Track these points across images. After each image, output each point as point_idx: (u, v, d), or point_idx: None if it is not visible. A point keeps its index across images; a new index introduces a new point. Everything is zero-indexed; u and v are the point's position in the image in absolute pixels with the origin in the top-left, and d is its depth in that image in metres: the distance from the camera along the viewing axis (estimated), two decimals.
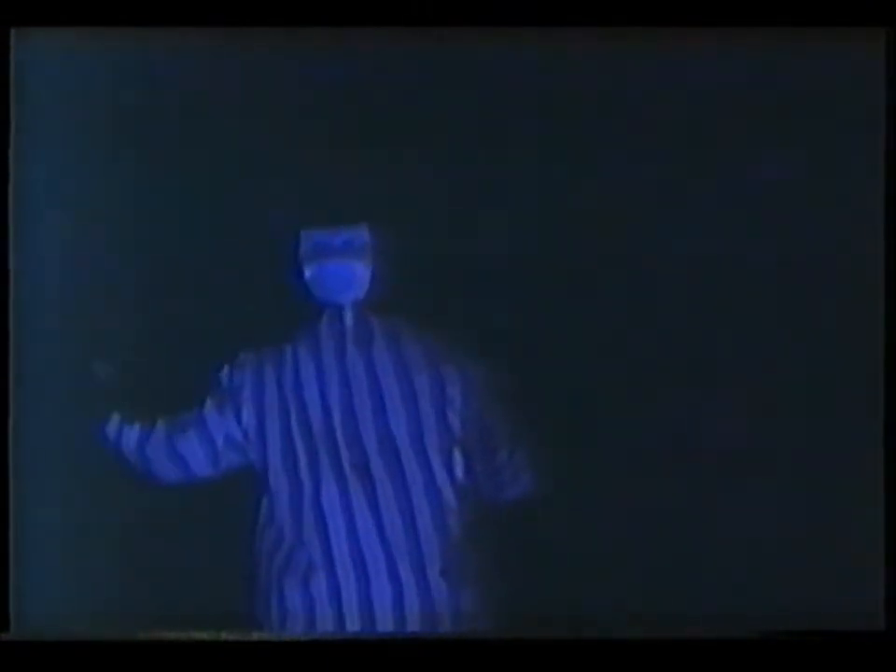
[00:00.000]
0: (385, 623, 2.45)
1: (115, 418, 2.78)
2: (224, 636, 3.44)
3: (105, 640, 3.34)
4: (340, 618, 2.52)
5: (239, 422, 2.58)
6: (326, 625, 2.51)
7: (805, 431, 3.68)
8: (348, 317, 2.49)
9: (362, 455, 2.42)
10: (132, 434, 2.77)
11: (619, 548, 3.67)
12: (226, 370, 2.61)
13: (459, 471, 2.45)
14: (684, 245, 3.78)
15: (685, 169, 3.76)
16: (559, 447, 2.54)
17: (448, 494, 2.43)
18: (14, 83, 3.40)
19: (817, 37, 3.40)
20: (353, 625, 2.48)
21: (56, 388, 3.70)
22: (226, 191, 3.61)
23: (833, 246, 3.69)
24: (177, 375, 2.85)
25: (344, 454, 2.44)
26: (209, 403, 2.62)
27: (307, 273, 2.52)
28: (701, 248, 3.78)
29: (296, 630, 2.58)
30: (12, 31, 3.37)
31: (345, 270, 2.48)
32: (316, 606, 2.56)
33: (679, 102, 3.75)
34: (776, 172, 3.72)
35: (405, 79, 3.06)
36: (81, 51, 3.56)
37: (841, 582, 3.48)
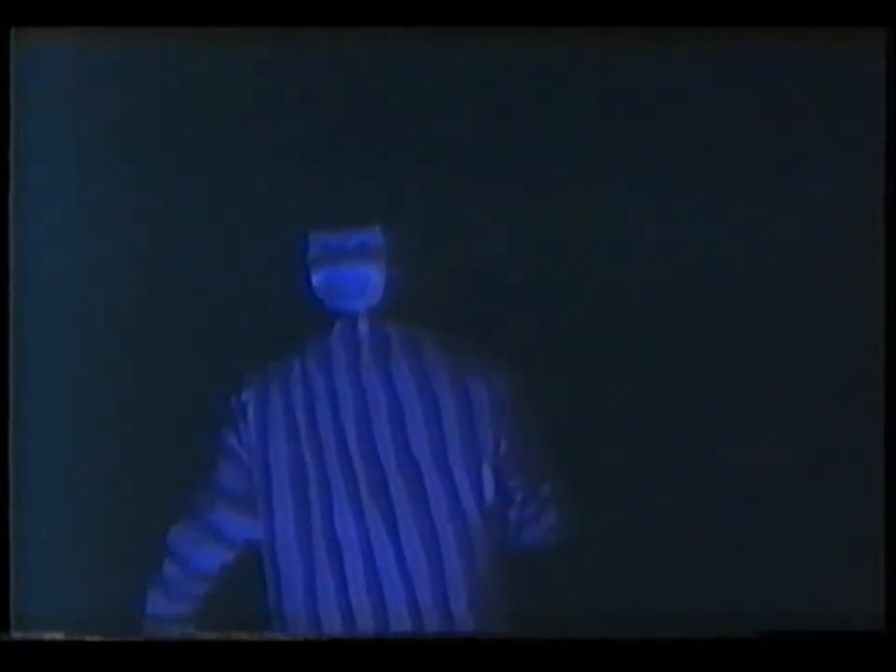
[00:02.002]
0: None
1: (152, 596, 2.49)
2: (228, 636, 3.44)
3: (106, 640, 3.35)
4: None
5: (240, 442, 2.38)
6: None
7: (805, 432, 3.68)
8: (363, 326, 2.27)
9: (380, 478, 2.20)
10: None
11: (620, 548, 3.67)
12: (231, 396, 2.40)
13: (488, 493, 2.22)
14: (691, 251, 3.78)
15: (685, 170, 3.76)
16: (591, 485, 2.26)
17: (475, 518, 2.21)
18: (14, 83, 3.40)
19: (817, 37, 3.41)
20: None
21: (56, 391, 3.71)
22: (229, 193, 3.60)
23: (833, 247, 3.69)
24: (179, 394, 2.80)
25: (361, 476, 2.22)
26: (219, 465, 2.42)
27: (316, 279, 2.31)
28: (707, 252, 3.79)
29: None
30: (12, 31, 3.37)
31: (359, 274, 2.26)
32: (324, 619, 2.37)
33: (677, 102, 3.75)
34: (775, 172, 3.73)
35: (418, 77, 3.01)
36: (81, 51, 3.56)
37: (841, 582, 3.48)
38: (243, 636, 3.43)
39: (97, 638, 3.37)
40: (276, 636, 3.35)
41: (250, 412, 2.34)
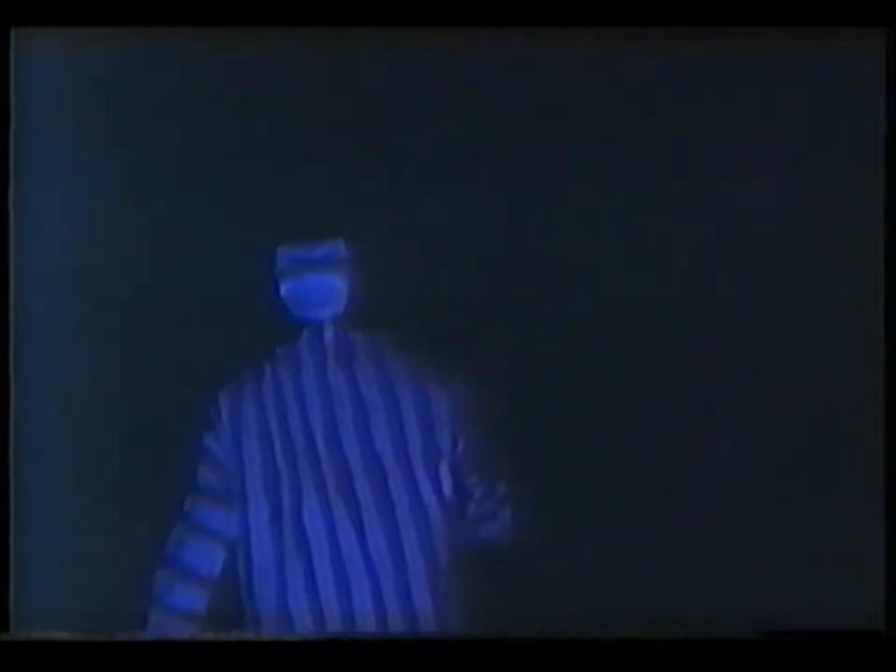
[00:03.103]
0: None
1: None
2: (228, 636, 3.44)
3: (105, 640, 3.35)
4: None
5: (219, 444, 2.53)
6: None
7: (805, 432, 3.68)
8: (328, 333, 2.41)
9: (346, 476, 2.35)
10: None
11: (620, 549, 3.67)
12: (209, 401, 2.53)
13: (447, 490, 2.36)
14: (681, 256, 3.78)
15: (684, 171, 3.76)
16: (547, 485, 2.37)
17: (435, 513, 2.35)
18: (14, 83, 3.40)
19: (817, 37, 3.41)
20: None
21: (56, 391, 3.71)
22: (221, 192, 3.60)
23: (833, 246, 3.69)
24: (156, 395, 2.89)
25: (328, 475, 2.36)
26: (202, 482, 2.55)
27: (284, 289, 2.44)
28: (700, 254, 3.78)
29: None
30: (12, 31, 3.38)
31: (324, 284, 2.40)
32: (297, 628, 2.49)
33: (677, 102, 3.75)
34: (775, 171, 3.73)
35: (378, 89, 3.04)
36: (81, 51, 3.56)
37: (841, 582, 3.48)
38: (242, 636, 3.43)
39: (97, 638, 3.37)
40: (276, 636, 3.35)
41: (225, 415, 2.47)
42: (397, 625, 2.32)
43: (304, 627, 2.42)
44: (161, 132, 3.80)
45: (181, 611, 2.76)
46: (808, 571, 3.55)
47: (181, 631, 2.70)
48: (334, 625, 2.36)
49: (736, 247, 3.78)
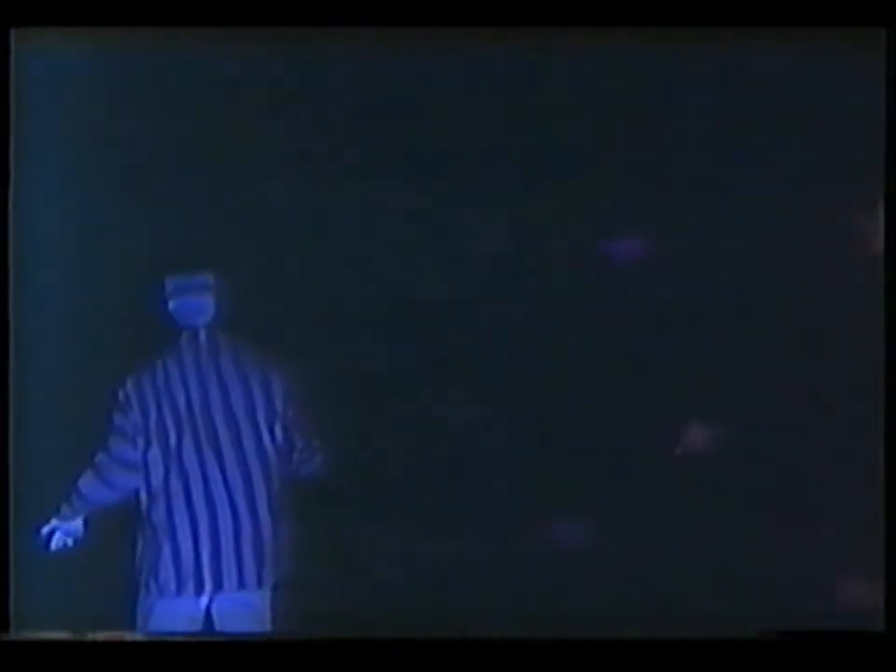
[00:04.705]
0: (229, 548, 3.33)
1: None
2: (228, 636, 3.44)
3: (105, 640, 3.35)
4: (199, 538, 3.36)
5: (126, 420, 3.45)
6: (187, 544, 3.35)
7: (805, 433, 3.68)
8: (202, 337, 3.42)
9: (214, 433, 3.39)
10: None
11: (616, 549, 3.67)
12: (119, 386, 3.46)
13: (279, 441, 3.40)
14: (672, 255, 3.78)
15: (683, 170, 3.76)
16: (344, 440, 3.48)
17: (272, 457, 3.39)
18: (14, 83, 3.41)
19: (817, 37, 3.41)
20: (204, 547, 3.34)
21: (56, 392, 3.72)
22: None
23: (833, 246, 3.69)
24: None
25: (202, 432, 3.38)
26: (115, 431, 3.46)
27: (171, 305, 3.44)
28: (688, 246, 3.79)
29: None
30: (12, 31, 3.38)
31: (198, 303, 3.42)
32: (178, 534, 3.36)
33: (677, 102, 3.75)
34: (775, 170, 3.72)
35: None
36: (81, 51, 3.56)
37: (841, 582, 3.48)
38: (242, 636, 3.43)
39: (97, 638, 3.37)
40: (276, 636, 3.35)
41: (131, 395, 3.42)
42: (247, 530, 3.33)
43: (186, 541, 3.33)
44: (161, 132, 3.81)
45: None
46: (808, 571, 3.55)
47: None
48: (204, 532, 3.32)
49: (736, 246, 3.78)
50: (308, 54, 3.65)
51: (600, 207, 3.70)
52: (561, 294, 3.78)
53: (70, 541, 3.43)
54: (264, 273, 3.66)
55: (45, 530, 3.40)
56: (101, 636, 3.34)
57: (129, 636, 3.41)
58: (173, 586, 3.27)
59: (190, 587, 3.27)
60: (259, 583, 3.28)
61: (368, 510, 3.59)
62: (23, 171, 3.46)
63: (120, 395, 3.39)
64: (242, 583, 3.27)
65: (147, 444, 3.35)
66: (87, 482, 3.38)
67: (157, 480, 3.32)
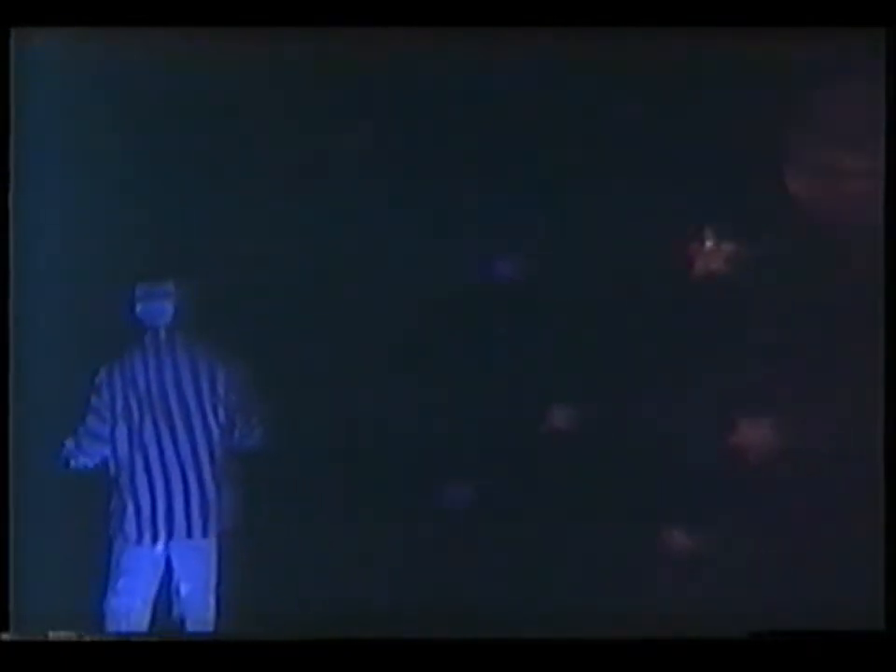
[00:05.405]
0: (179, 505, 3.88)
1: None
2: (228, 636, 3.45)
3: (104, 640, 3.35)
4: (156, 497, 3.92)
5: (101, 403, 4.03)
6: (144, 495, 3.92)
7: (806, 433, 3.68)
8: (162, 335, 3.99)
9: (169, 414, 3.97)
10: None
11: (610, 548, 3.67)
12: (95, 379, 4.02)
13: (223, 420, 3.99)
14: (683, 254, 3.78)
15: (682, 169, 3.76)
16: (280, 419, 4.01)
17: (217, 433, 3.99)
18: (14, 83, 3.41)
19: (817, 37, 3.41)
20: (160, 505, 3.88)
21: (56, 393, 3.73)
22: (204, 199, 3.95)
23: (833, 246, 3.69)
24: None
25: (158, 413, 3.98)
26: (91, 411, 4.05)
27: (138, 308, 3.99)
28: (681, 247, 3.79)
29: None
30: (12, 31, 3.38)
31: (161, 308, 4.00)
32: (139, 494, 3.90)
33: (677, 101, 3.74)
34: (774, 171, 3.72)
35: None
36: (81, 51, 3.56)
37: (841, 582, 3.48)
38: (242, 636, 3.43)
39: (97, 638, 3.38)
40: (276, 636, 3.36)
41: (105, 383, 3.99)
42: (195, 489, 3.91)
43: (146, 499, 3.90)
44: (160, 132, 3.80)
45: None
46: (808, 571, 3.55)
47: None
48: (160, 497, 3.90)
49: (736, 246, 3.78)
50: (305, 55, 3.65)
51: (604, 207, 3.69)
52: (524, 289, 3.82)
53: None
54: (215, 281, 4.08)
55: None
56: (101, 636, 3.35)
57: (128, 636, 3.42)
58: (134, 536, 3.80)
59: (148, 536, 3.81)
60: (205, 533, 3.84)
61: (301, 476, 4.01)
62: (23, 171, 3.46)
63: (96, 381, 3.99)
64: (190, 533, 3.84)
65: (115, 422, 3.96)
66: (68, 451, 3.92)
67: (123, 451, 3.94)
